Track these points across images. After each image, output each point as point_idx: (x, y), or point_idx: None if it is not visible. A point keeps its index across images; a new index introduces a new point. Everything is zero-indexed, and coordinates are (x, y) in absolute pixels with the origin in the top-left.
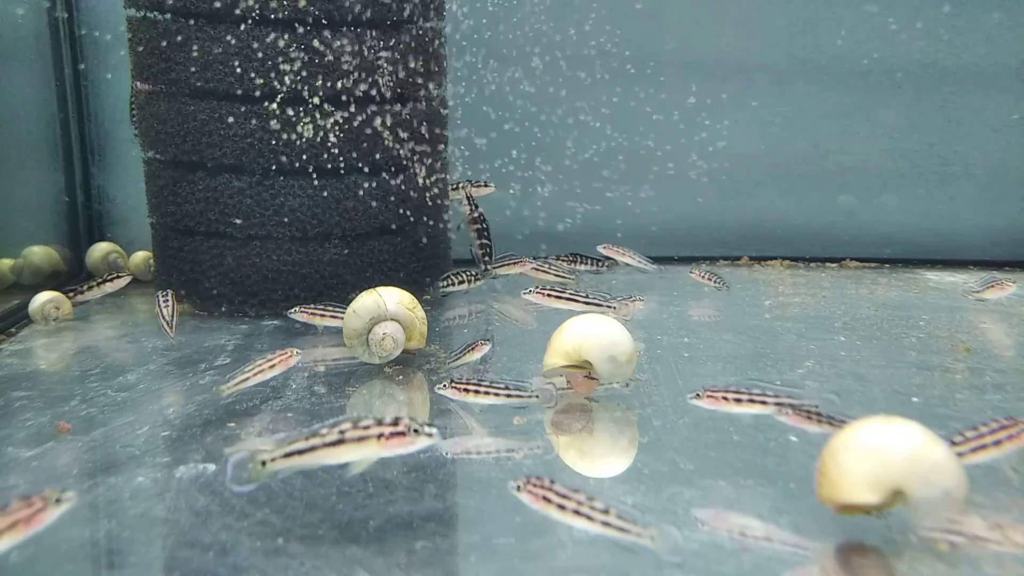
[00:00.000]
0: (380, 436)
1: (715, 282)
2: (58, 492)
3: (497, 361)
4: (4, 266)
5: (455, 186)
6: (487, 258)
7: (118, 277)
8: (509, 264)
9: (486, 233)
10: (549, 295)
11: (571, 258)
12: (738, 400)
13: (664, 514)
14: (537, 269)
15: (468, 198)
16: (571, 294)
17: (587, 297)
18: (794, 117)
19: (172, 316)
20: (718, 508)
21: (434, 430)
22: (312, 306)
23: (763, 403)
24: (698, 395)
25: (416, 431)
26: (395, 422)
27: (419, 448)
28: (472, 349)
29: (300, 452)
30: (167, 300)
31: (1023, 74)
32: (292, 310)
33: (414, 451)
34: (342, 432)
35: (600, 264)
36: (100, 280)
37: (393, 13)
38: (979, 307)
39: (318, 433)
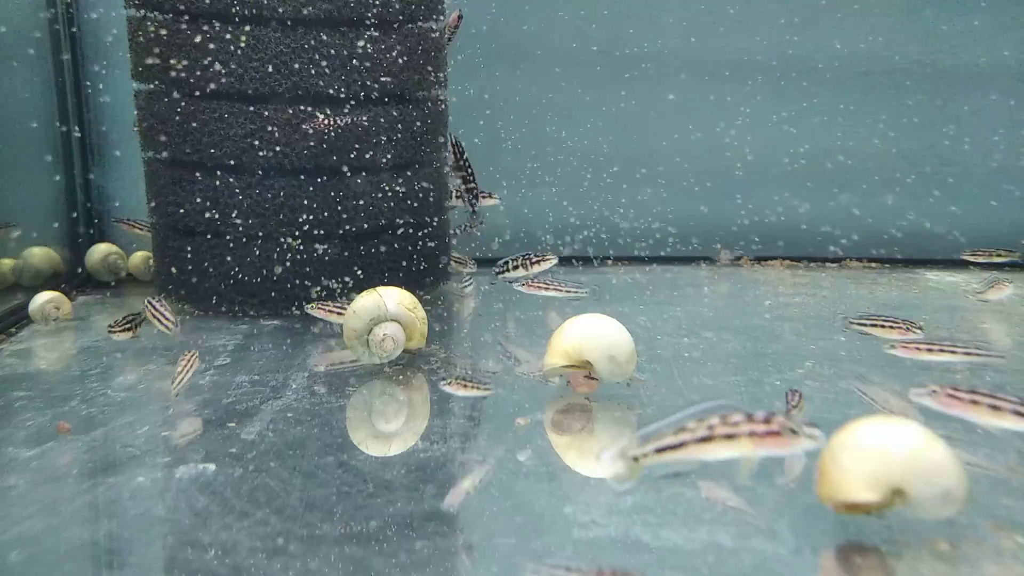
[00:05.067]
0: (752, 434)
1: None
2: None
3: (498, 362)
4: (4, 267)
5: (457, 192)
6: (474, 201)
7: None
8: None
9: (471, 178)
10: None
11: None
12: None
13: (664, 514)
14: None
15: (454, 145)
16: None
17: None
18: (794, 117)
19: (172, 314)
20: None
21: (816, 431)
22: (329, 303)
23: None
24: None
25: (793, 431)
26: (767, 419)
27: (801, 450)
28: (540, 261)
29: (671, 448)
30: (161, 303)
31: (1023, 74)
32: (309, 306)
33: (796, 453)
34: (711, 428)
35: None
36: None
37: (393, 13)
38: (979, 307)
39: (687, 428)
